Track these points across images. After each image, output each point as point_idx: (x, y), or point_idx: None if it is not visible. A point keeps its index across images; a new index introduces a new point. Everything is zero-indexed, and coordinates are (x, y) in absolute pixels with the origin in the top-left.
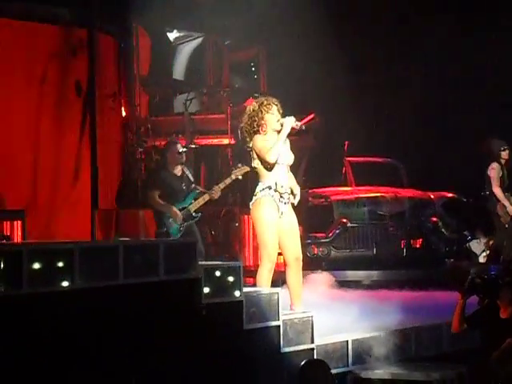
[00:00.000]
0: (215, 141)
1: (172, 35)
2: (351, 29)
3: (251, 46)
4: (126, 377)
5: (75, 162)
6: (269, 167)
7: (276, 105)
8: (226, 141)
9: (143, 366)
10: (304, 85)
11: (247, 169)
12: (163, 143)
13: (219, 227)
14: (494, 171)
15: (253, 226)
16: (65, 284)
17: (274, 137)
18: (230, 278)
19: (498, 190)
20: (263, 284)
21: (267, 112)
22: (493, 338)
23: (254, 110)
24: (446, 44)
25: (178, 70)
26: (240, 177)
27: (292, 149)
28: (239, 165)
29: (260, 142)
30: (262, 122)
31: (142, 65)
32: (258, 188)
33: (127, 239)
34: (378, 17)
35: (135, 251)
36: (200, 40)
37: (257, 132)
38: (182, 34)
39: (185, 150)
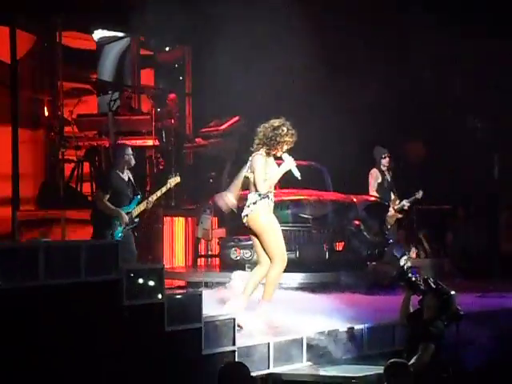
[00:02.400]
0: (139, 142)
1: (97, 35)
2: (280, 30)
3: (177, 47)
4: (46, 377)
5: None
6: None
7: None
8: (150, 142)
9: (63, 366)
10: (230, 87)
11: (179, 179)
12: (86, 143)
13: (142, 229)
14: (371, 177)
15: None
16: None
17: (271, 160)
18: (152, 280)
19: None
20: (276, 284)
21: (287, 145)
22: (412, 339)
23: (282, 133)
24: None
25: (104, 70)
26: (172, 186)
27: (216, 151)
28: (173, 175)
29: (260, 165)
30: (278, 147)
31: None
32: (255, 197)
33: (49, 240)
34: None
35: (56, 252)
36: (126, 41)
37: (267, 148)
38: (106, 35)
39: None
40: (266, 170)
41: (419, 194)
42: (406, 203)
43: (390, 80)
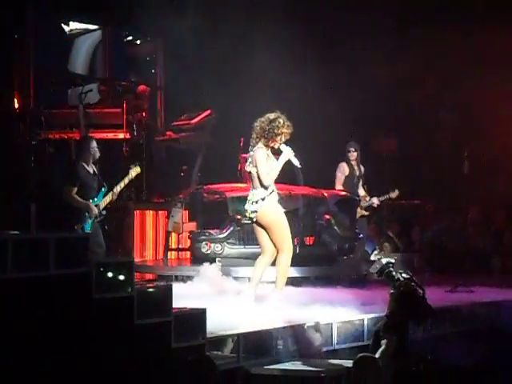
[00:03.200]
0: (110, 135)
1: (68, 27)
2: (250, 26)
3: (149, 41)
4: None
5: None
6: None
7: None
8: (121, 135)
9: (33, 360)
10: (202, 80)
11: (139, 170)
12: (57, 136)
13: (113, 222)
14: (338, 170)
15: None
16: None
17: (269, 151)
18: (122, 274)
19: (338, 188)
20: (287, 273)
21: (285, 136)
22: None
23: (278, 125)
24: None
25: (76, 63)
26: (134, 176)
27: (187, 144)
28: (134, 165)
29: (262, 158)
30: (277, 139)
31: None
32: (264, 193)
33: (17, 232)
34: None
35: (25, 245)
36: (98, 33)
37: (266, 140)
38: (78, 27)
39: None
40: (267, 162)
41: (394, 194)
42: (375, 201)
43: (362, 77)
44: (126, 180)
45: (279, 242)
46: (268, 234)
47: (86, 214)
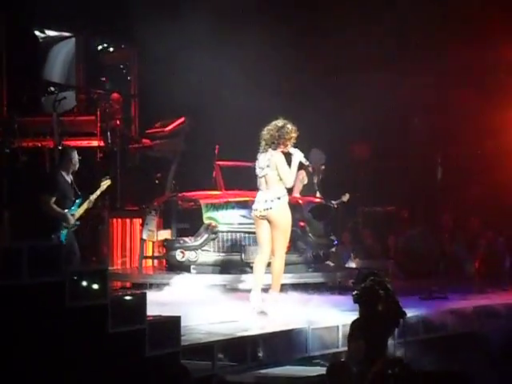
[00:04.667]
0: (84, 143)
1: (42, 35)
2: (225, 30)
3: (123, 48)
4: None
5: None
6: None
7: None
8: (95, 143)
9: (5, 369)
10: (176, 88)
11: (109, 182)
12: (30, 144)
13: (87, 230)
14: (297, 179)
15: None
16: None
17: None
18: (96, 282)
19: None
20: (282, 274)
21: (293, 141)
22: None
23: (287, 131)
24: None
25: (52, 71)
26: (104, 189)
27: (162, 152)
28: (104, 178)
29: (284, 161)
30: (287, 143)
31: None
32: (279, 193)
33: None
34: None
35: None
36: (72, 41)
37: (276, 146)
38: (51, 34)
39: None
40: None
41: (345, 197)
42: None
43: (336, 82)
44: (98, 192)
45: (279, 243)
46: (272, 232)
47: (63, 223)
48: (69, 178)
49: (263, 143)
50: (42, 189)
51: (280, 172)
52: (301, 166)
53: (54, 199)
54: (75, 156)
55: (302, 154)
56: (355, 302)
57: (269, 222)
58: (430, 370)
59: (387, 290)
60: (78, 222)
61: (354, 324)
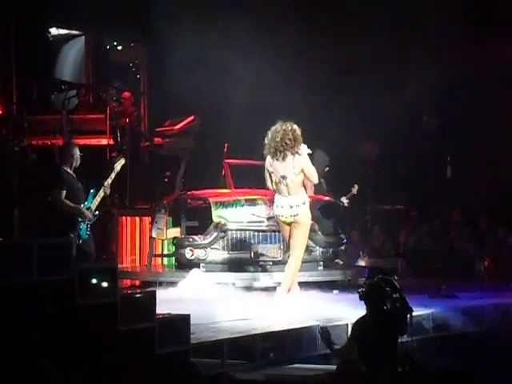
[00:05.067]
0: (94, 141)
1: (52, 33)
2: (235, 28)
3: (133, 46)
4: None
5: None
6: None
7: None
8: (104, 141)
9: (16, 366)
10: (186, 86)
11: (123, 161)
12: (40, 142)
13: (97, 228)
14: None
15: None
16: None
17: None
18: (106, 280)
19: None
20: (296, 275)
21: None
22: None
23: (299, 132)
24: None
25: (63, 69)
26: (119, 168)
27: (171, 150)
28: (118, 157)
29: (308, 162)
30: (300, 143)
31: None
32: (303, 198)
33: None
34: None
35: (8, 251)
36: (81, 39)
37: (294, 149)
38: (62, 32)
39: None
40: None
41: (355, 189)
42: (344, 200)
43: (347, 80)
44: (113, 175)
45: (300, 244)
46: (293, 232)
47: (79, 218)
48: (72, 173)
49: (280, 149)
50: (50, 185)
51: (308, 173)
52: None
53: (64, 193)
54: (77, 152)
55: (306, 146)
56: (361, 299)
57: (292, 223)
58: (439, 369)
59: (394, 288)
60: (96, 213)
61: (355, 323)
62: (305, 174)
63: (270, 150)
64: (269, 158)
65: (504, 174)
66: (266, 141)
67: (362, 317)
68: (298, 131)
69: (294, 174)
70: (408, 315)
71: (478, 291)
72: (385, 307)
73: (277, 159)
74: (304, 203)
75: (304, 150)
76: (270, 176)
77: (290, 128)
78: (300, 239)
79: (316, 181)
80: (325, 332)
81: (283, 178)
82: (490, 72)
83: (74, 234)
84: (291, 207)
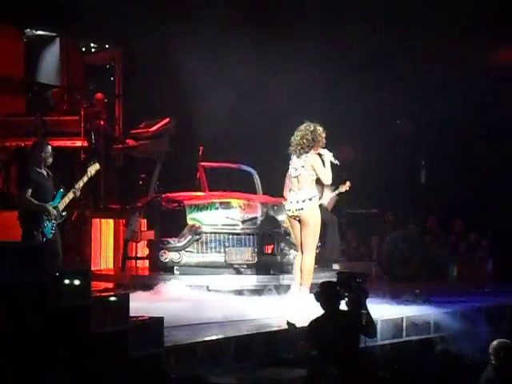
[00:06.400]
0: (68, 143)
1: (26, 35)
2: (213, 30)
3: (107, 48)
4: None
5: None
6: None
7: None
8: (79, 143)
9: None
10: (161, 89)
11: (98, 166)
12: (14, 144)
13: (70, 230)
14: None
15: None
16: None
17: None
18: (79, 282)
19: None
20: (312, 271)
21: (324, 142)
22: None
23: (320, 133)
24: None
25: (34, 70)
26: (93, 173)
27: (146, 153)
28: (92, 161)
29: (318, 161)
30: (319, 145)
31: None
32: (310, 194)
33: None
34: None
35: None
36: (56, 41)
37: (310, 148)
38: (37, 33)
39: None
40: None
41: (343, 188)
42: (329, 195)
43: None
44: (85, 178)
45: (309, 241)
46: (302, 230)
47: (45, 217)
48: (44, 171)
49: (297, 147)
50: (17, 184)
51: (318, 172)
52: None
53: (29, 191)
54: (47, 149)
55: (331, 153)
56: (316, 300)
57: (299, 221)
58: (418, 373)
59: (354, 290)
60: (64, 214)
61: (310, 323)
62: (316, 174)
63: (292, 147)
64: (291, 156)
65: (478, 178)
66: (291, 139)
67: (318, 317)
68: (320, 132)
69: (304, 169)
70: (367, 318)
71: (451, 295)
72: (337, 308)
73: (296, 156)
74: (310, 199)
75: (325, 153)
76: (290, 173)
77: (311, 128)
78: (309, 238)
79: (327, 182)
80: (290, 326)
81: (295, 170)
82: (467, 74)
83: (38, 232)
84: (297, 202)
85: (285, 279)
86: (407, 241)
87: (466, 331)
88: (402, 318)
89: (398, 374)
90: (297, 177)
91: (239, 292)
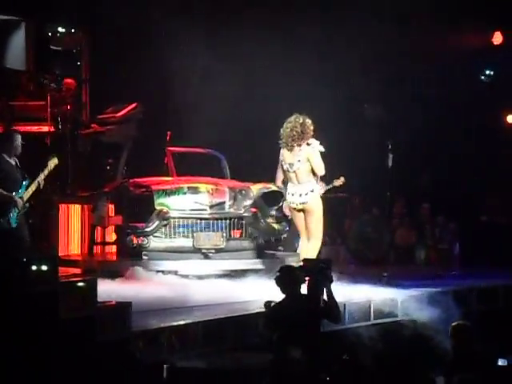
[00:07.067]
0: (34, 128)
1: None
2: (178, 17)
3: (74, 33)
4: None
5: None
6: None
7: None
8: (45, 128)
9: None
10: (128, 74)
11: (57, 161)
12: None
13: (37, 216)
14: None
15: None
16: None
17: None
18: (46, 268)
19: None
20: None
21: (311, 134)
22: None
23: (308, 125)
24: None
25: (1, 56)
26: (52, 167)
27: (113, 138)
28: (51, 156)
29: (315, 155)
30: (309, 136)
31: None
32: (312, 186)
33: None
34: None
35: None
36: (21, 25)
37: (301, 140)
38: (2, 18)
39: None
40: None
41: (338, 182)
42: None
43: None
44: (46, 172)
45: (315, 228)
46: (307, 219)
47: (12, 207)
48: (13, 161)
49: (288, 140)
50: None
51: (314, 164)
52: None
53: None
54: (17, 139)
55: (319, 142)
56: (276, 284)
57: (303, 211)
58: (380, 355)
59: (315, 275)
60: (27, 205)
61: (270, 308)
62: (311, 165)
63: (282, 140)
64: (282, 149)
65: (445, 162)
66: (281, 131)
67: (278, 302)
68: (308, 125)
69: (301, 162)
70: (331, 302)
71: (419, 279)
72: (297, 292)
73: (287, 149)
74: (312, 191)
75: (315, 144)
76: (282, 166)
77: (300, 121)
78: (314, 225)
79: (321, 173)
80: (267, 306)
81: (290, 165)
82: (438, 61)
83: (4, 220)
84: (300, 195)
85: (253, 264)
86: (373, 224)
87: (434, 314)
88: (370, 301)
89: (365, 357)
90: (295, 171)
91: (207, 276)
